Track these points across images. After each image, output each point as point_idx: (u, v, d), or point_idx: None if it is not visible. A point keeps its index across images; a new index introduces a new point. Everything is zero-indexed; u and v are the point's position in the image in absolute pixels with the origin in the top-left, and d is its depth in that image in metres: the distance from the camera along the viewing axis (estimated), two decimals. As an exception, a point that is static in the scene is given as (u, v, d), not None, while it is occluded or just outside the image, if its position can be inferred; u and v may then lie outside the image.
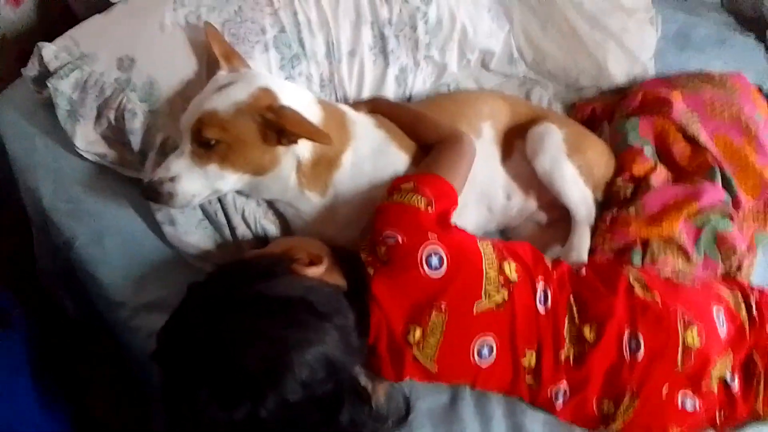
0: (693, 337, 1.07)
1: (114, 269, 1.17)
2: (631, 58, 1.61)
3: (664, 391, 1.06)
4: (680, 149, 1.44)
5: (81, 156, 1.20)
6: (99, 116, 1.18)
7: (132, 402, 1.44)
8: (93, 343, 1.52)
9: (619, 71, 1.61)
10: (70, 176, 1.21)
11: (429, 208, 1.07)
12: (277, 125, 1.04)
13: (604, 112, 1.57)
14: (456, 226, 1.13)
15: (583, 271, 1.17)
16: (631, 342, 1.06)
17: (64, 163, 1.21)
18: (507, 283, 1.06)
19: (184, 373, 0.92)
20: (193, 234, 1.19)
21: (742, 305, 1.16)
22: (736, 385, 1.10)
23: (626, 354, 1.06)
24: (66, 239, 1.19)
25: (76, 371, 1.51)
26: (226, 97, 1.05)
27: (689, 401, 1.07)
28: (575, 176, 1.31)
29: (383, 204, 1.10)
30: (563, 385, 1.08)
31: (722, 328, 1.10)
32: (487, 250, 1.09)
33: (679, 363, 1.06)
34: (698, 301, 1.13)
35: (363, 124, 1.23)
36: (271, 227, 1.23)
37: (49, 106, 1.18)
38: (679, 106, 1.46)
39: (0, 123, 1.25)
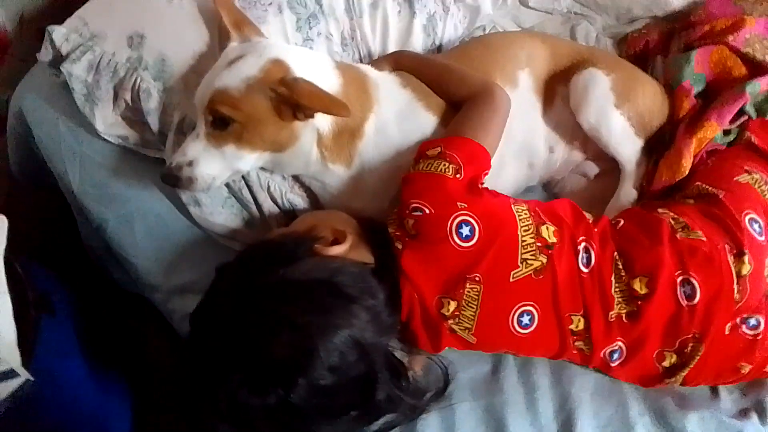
0: (745, 265, 1.00)
1: (145, 253, 1.18)
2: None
3: (728, 328, 1.00)
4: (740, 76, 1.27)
5: (104, 139, 1.19)
6: (116, 97, 1.15)
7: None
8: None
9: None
10: (95, 160, 1.19)
11: (458, 174, 1.01)
12: (291, 100, 0.99)
13: (659, 44, 1.42)
14: (488, 191, 1.06)
15: (621, 222, 1.09)
16: (685, 288, 1.00)
17: (88, 147, 1.19)
18: (545, 247, 1.00)
19: (215, 360, 0.92)
20: (220, 213, 1.17)
21: None
22: None
23: (683, 301, 1.00)
24: (98, 224, 1.20)
25: (135, 347, 1.53)
26: (237, 73, 1.00)
27: (753, 320, 1.01)
28: (625, 128, 1.21)
29: (409, 174, 1.05)
30: (618, 344, 1.03)
31: (761, 237, 1.04)
32: (522, 214, 1.03)
33: (737, 296, 1.00)
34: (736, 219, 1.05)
35: (386, 86, 1.15)
36: (299, 201, 1.19)
37: (69, 89, 1.16)
38: (749, 31, 1.27)
39: (24, 108, 1.24)
